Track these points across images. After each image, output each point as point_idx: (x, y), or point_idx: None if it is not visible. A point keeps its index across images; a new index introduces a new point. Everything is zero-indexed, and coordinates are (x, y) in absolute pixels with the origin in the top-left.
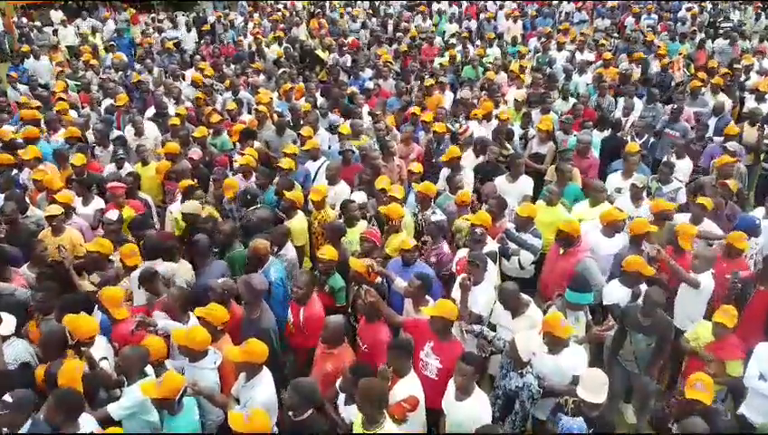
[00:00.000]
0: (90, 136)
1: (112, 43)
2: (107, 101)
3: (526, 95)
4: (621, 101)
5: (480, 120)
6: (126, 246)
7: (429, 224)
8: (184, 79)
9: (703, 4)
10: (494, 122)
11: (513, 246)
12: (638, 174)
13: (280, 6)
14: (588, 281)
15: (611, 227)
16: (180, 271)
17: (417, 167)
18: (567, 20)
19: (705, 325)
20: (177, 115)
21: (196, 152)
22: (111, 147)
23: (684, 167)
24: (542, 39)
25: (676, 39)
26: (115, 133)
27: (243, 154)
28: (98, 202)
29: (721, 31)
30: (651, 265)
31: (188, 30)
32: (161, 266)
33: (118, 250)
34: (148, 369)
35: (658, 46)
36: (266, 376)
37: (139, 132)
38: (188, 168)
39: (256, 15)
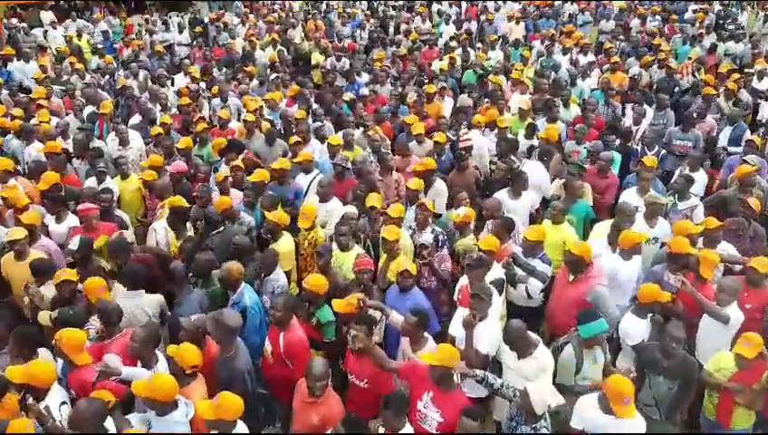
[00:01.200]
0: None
1: (100, 45)
2: (91, 108)
3: (531, 102)
4: (629, 108)
5: (483, 129)
6: (91, 280)
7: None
8: (173, 84)
9: (709, 5)
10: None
11: (520, 272)
12: (653, 191)
13: (276, 7)
14: (595, 313)
15: (631, 250)
16: (146, 302)
17: (416, 183)
18: (570, 21)
19: (727, 355)
20: (162, 124)
21: (178, 165)
22: None
23: (698, 180)
24: (546, 42)
25: (687, 42)
26: (96, 143)
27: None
28: (72, 220)
29: (726, 33)
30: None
31: (180, 31)
32: (131, 301)
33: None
34: (108, 422)
35: (662, 50)
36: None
37: (122, 142)
38: (168, 183)
39: (252, 16)
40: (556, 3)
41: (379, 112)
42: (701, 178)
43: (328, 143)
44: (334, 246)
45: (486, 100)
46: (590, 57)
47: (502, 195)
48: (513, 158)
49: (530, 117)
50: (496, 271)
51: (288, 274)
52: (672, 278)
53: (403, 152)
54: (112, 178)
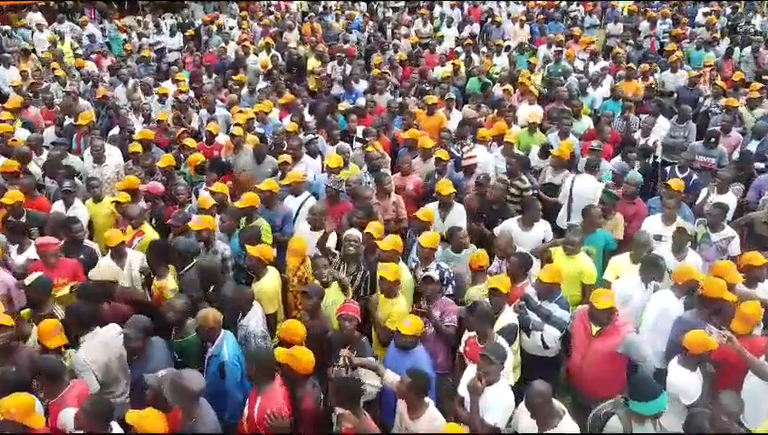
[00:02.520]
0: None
1: (86, 50)
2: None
3: (544, 113)
4: (638, 119)
5: (489, 144)
6: (45, 322)
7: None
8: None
9: (719, 7)
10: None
11: (534, 317)
12: (680, 218)
13: (272, 8)
14: (655, 387)
15: (686, 287)
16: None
17: (427, 214)
18: (576, 24)
19: None
20: (141, 141)
21: (152, 185)
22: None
23: (729, 204)
24: (554, 47)
25: (702, 47)
26: (70, 160)
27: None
28: (33, 251)
29: (739, 37)
30: None
31: (172, 35)
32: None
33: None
34: None
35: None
36: None
37: (98, 159)
38: (144, 208)
39: (247, 19)
40: (562, 4)
41: (373, 126)
42: (731, 202)
43: (326, 164)
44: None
45: (493, 111)
46: (602, 63)
47: (511, 224)
48: (523, 178)
49: (544, 134)
50: (508, 315)
51: (273, 317)
52: (716, 333)
53: (404, 169)
54: (85, 200)
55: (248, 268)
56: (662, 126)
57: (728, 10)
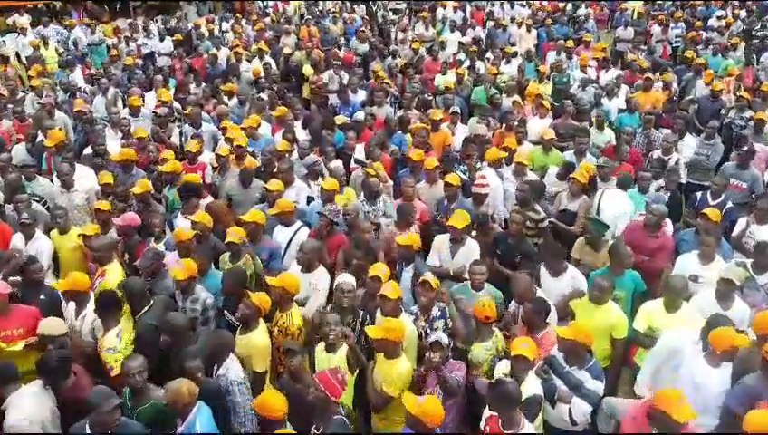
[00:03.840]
0: None
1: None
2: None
3: (554, 129)
4: (660, 135)
5: (498, 166)
6: None
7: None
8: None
9: (736, 11)
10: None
11: (561, 386)
12: (720, 257)
13: (269, 11)
14: None
15: (725, 355)
16: None
17: (411, 238)
18: (582, 28)
19: None
20: (121, 161)
21: (127, 217)
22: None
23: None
24: (563, 54)
25: (718, 53)
26: (36, 185)
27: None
28: None
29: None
30: None
31: (162, 39)
32: None
33: None
34: None
35: (702, 64)
36: None
37: (66, 185)
38: (114, 242)
39: (242, 22)
40: (569, 7)
41: (371, 143)
42: None
43: (321, 187)
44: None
45: (501, 124)
46: (614, 71)
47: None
48: (537, 208)
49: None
50: (531, 383)
51: (262, 377)
52: None
53: (407, 195)
54: (51, 230)
55: (239, 319)
56: (688, 144)
57: (743, 13)
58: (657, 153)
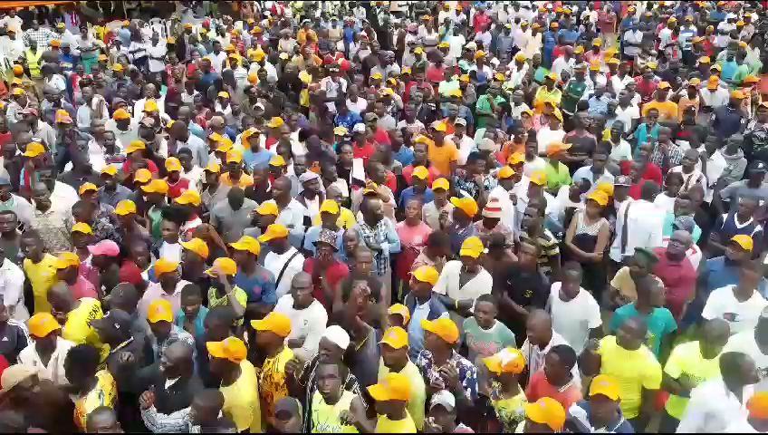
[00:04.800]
0: None
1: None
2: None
3: (568, 143)
4: (680, 150)
5: (509, 184)
6: None
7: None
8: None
9: (747, 14)
10: (524, 183)
11: None
12: (760, 295)
13: (267, 13)
14: None
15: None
16: None
17: (429, 274)
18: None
19: None
20: (104, 176)
21: (104, 245)
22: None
23: None
24: (572, 60)
25: (733, 58)
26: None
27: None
28: None
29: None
30: None
31: (154, 43)
32: None
33: None
34: None
35: (715, 69)
36: None
37: (41, 206)
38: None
39: (237, 25)
40: (574, 9)
41: (373, 160)
42: None
43: (321, 211)
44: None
45: (509, 136)
46: (627, 79)
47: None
48: (547, 233)
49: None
50: None
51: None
52: None
53: (411, 218)
54: (21, 259)
55: (212, 374)
56: (716, 164)
57: (754, 16)
58: (676, 169)
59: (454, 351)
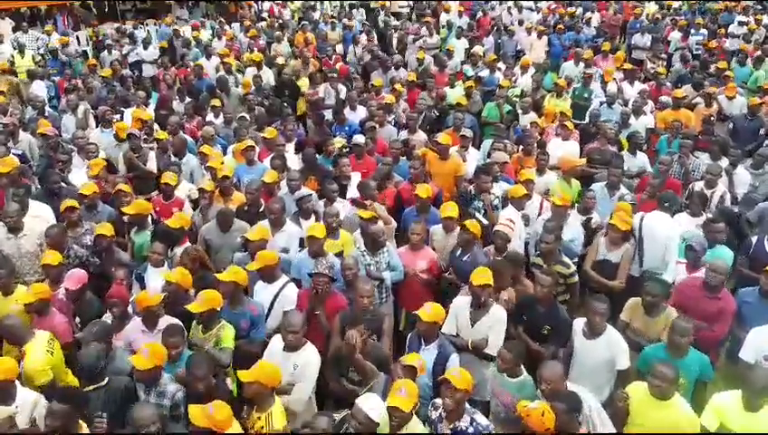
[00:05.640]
0: None
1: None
2: None
3: (587, 157)
4: (701, 162)
5: (521, 204)
6: None
7: None
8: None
9: (758, 16)
10: (536, 202)
11: None
12: None
13: (264, 15)
14: None
15: None
16: None
17: (434, 313)
18: (599, 35)
19: None
20: (81, 196)
21: (74, 275)
22: None
23: None
24: (582, 65)
25: (746, 63)
26: None
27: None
28: None
29: None
30: None
31: (145, 46)
32: None
33: None
34: None
35: (727, 75)
36: None
37: (13, 229)
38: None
39: (231, 28)
40: (578, 11)
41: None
42: None
43: (308, 235)
44: None
45: (517, 147)
46: (638, 85)
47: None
48: (565, 260)
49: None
50: None
51: None
52: None
53: (415, 242)
54: None
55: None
56: (742, 180)
57: (766, 19)
58: (698, 185)
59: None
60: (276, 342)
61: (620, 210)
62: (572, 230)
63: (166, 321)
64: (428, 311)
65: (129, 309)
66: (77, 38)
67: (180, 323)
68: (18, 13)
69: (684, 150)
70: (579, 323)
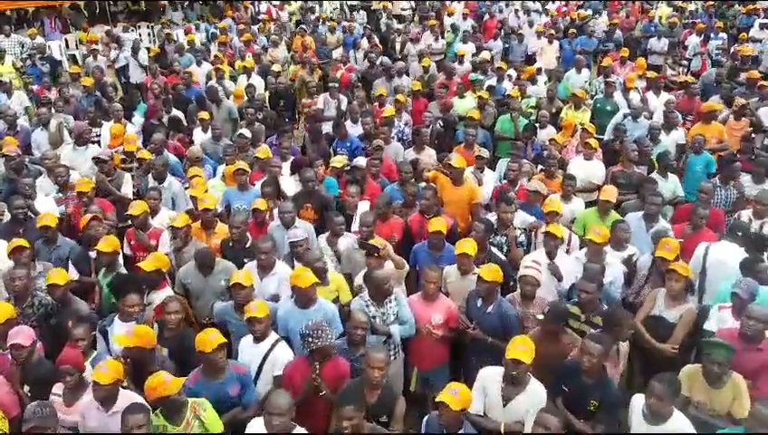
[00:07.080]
0: None
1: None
2: None
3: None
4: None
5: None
6: None
7: None
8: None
9: None
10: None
11: None
12: None
13: (261, 17)
14: None
15: None
16: None
17: (463, 398)
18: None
19: None
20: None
21: (26, 339)
22: None
23: None
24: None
25: None
26: None
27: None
28: None
29: None
30: None
31: (134, 52)
32: None
33: None
34: None
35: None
36: None
37: None
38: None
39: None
40: (588, 13)
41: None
42: None
43: (291, 283)
44: None
45: (536, 166)
46: (665, 95)
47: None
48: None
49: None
50: None
51: None
52: None
53: (429, 292)
54: None
55: None
56: None
57: None
58: (744, 214)
59: None
60: (256, 427)
61: (674, 250)
62: (611, 271)
63: (126, 399)
64: (457, 398)
65: (87, 374)
66: (65, 41)
67: (142, 405)
68: (3, 15)
69: (733, 174)
70: (637, 402)
